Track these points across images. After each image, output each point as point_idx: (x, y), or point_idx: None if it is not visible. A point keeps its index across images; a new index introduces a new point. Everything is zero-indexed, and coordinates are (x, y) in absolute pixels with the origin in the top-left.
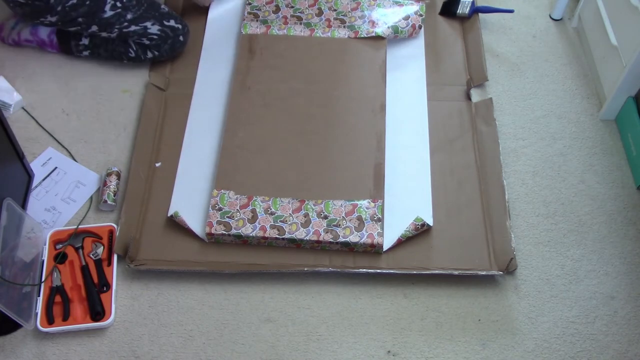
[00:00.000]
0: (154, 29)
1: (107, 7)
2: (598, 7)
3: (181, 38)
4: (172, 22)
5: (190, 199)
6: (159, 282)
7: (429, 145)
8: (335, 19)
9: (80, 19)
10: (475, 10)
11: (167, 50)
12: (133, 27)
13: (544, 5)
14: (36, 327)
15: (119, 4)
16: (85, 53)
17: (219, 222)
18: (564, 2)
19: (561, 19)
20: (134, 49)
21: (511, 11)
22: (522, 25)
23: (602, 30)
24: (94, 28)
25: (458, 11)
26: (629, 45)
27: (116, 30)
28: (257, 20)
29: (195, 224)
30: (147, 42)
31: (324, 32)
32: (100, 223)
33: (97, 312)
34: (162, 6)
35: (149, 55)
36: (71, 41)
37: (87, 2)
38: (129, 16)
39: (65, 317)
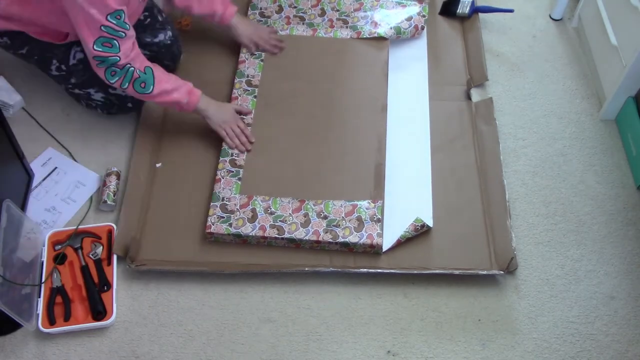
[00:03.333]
0: (97, 96)
1: (53, 68)
2: (598, 7)
3: (129, 105)
4: (118, 91)
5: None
6: (159, 282)
7: (430, 145)
8: (338, 19)
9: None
10: (475, 10)
11: (115, 112)
12: (77, 91)
13: (544, 5)
14: (38, 328)
15: (63, 67)
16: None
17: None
18: (564, 2)
19: (561, 19)
20: (85, 103)
21: (511, 11)
22: (522, 25)
23: (602, 30)
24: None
25: (458, 11)
26: (629, 45)
27: (63, 87)
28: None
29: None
30: (94, 105)
31: (326, 32)
32: (100, 223)
33: (99, 311)
34: None
35: (99, 111)
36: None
37: (35, 58)
38: (72, 80)
39: (67, 318)
